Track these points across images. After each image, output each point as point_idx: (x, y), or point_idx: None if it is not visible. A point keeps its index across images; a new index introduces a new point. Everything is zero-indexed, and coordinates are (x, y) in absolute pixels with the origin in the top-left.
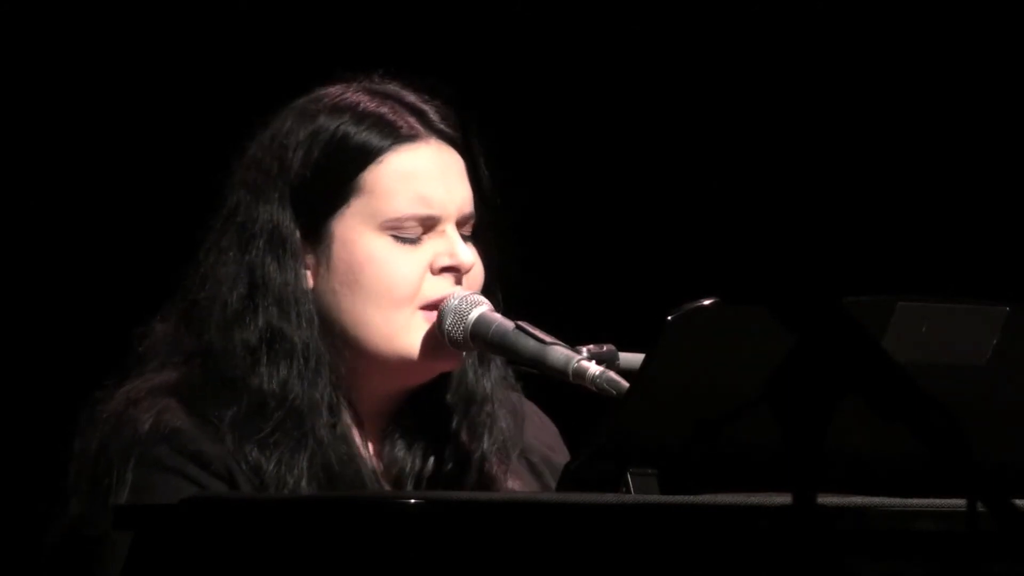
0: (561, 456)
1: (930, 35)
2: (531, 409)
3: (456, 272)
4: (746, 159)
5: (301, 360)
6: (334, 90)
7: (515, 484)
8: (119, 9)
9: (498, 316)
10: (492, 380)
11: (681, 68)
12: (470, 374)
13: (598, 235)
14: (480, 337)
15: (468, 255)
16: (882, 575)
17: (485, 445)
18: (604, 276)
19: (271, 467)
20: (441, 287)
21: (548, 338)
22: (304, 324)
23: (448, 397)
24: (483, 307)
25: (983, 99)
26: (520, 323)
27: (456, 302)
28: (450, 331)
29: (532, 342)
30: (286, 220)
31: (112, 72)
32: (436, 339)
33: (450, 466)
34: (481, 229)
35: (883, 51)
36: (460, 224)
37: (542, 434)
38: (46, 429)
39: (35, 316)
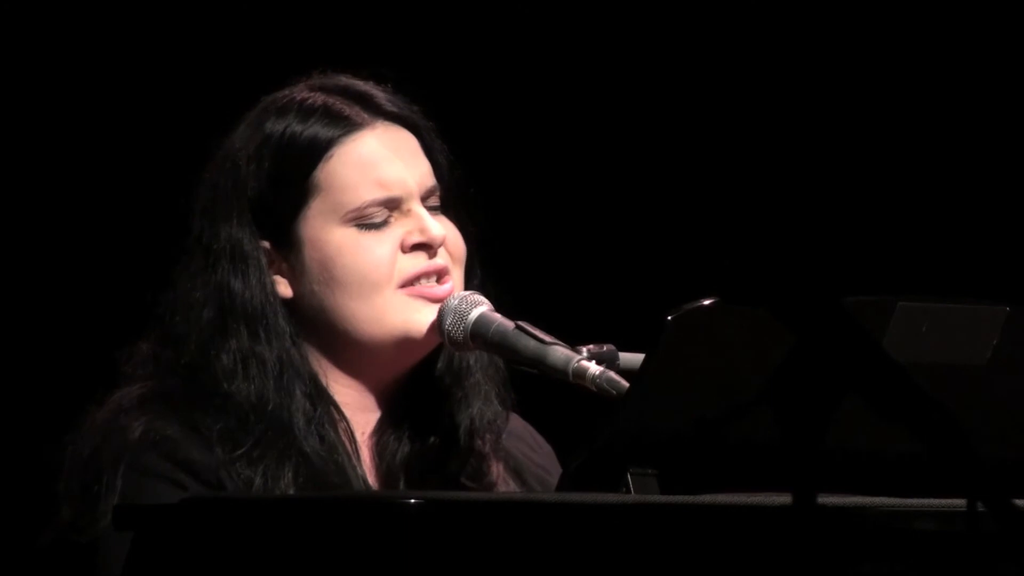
0: (555, 476)
1: (930, 35)
2: (528, 431)
3: (428, 248)
4: (746, 159)
5: (275, 374)
6: (278, 94)
7: (500, 464)
8: (84, 32)
9: (498, 316)
10: (474, 358)
11: (682, 68)
12: (455, 359)
13: (598, 235)
14: (480, 337)
15: (437, 228)
16: (882, 575)
17: (471, 421)
18: (604, 276)
19: (259, 480)
20: (415, 263)
21: (548, 338)
22: (275, 338)
23: (432, 377)
24: (483, 307)
25: (983, 99)
26: (520, 323)
27: (456, 302)
28: (450, 331)
29: (532, 342)
30: (246, 236)
31: (94, 96)
32: (429, 311)
33: (437, 445)
34: (458, 203)
35: (883, 51)
36: (425, 198)
37: (537, 456)
38: (40, 438)
39: (27, 328)
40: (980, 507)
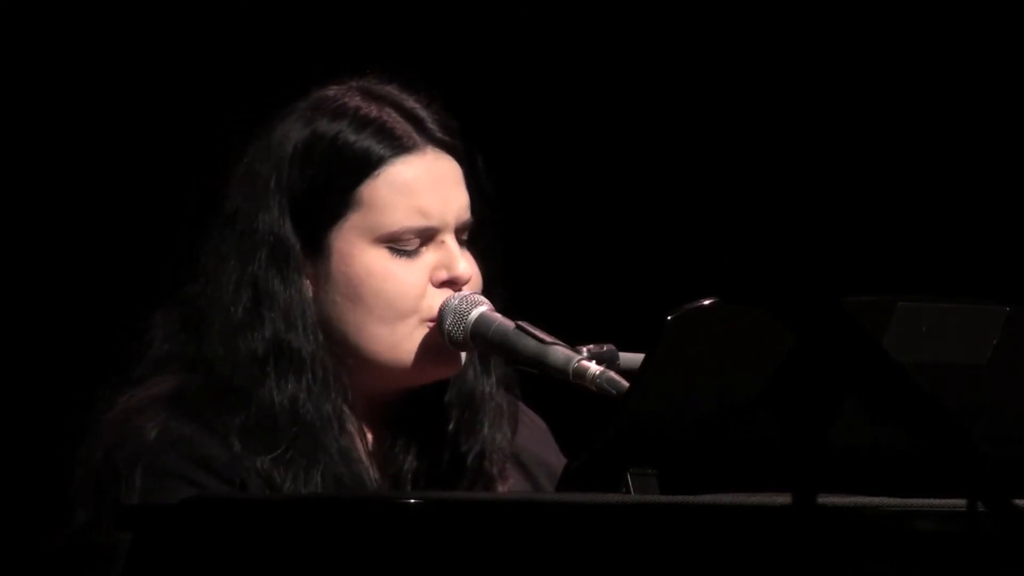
0: (553, 455)
1: (930, 35)
2: (521, 410)
3: (455, 284)
4: (746, 159)
5: (310, 374)
6: (331, 93)
7: (507, 485)
8: (114, 9)
9: (498, 316)
10: (492, 383)
11: (682, 68)
12: (470, 375)
13: (598, 235)
14: (480, 337)
15: (466, 267)
16: (882, 575)
17: (481, 445)
18: (604, 276)
19: (287, 483)
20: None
21: (548, 338)
22: (311, 337)
23: (446, 397)
24: (483, 307)
25: (983, 99)
26: (520, 323)
27: (456, 302)
28: (450, 331)
29: (532, 342)
30: (287, 231)
31: (104, 72)
32: (438, 348)
33: (446, 465)
34: (480, 230)
35: (883, 51)
36: (459, 232)
37: (532, 434)
38: (38, 433)
39: (29, 318)
40: (980, 507)
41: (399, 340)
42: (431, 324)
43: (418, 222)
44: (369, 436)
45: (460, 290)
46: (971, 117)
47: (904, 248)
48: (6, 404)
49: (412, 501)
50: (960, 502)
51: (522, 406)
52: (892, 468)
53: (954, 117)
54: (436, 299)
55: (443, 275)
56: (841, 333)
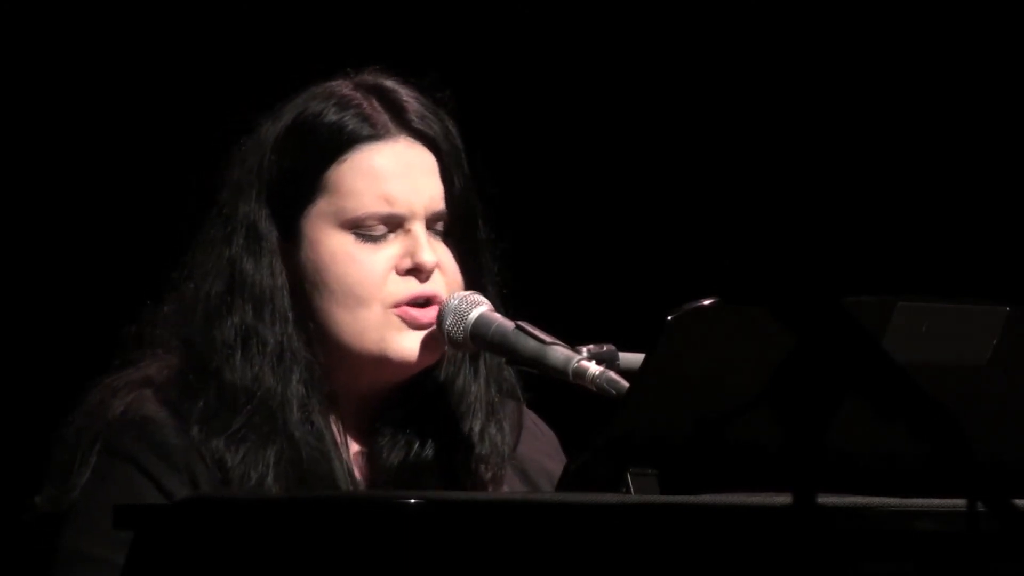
0: (559, 465)
1: (930, 35)
2: (530, 420)
3: (420, 272)
4: (746, 159)
5: (274, 357)
6: (329, 83)
7: (502, 489)
8: (114, 9)
9: (498, 316)
10: (481, 383)
11: (682, 67)
12: (461, 375)
13: (598, 235)
14: (480, 337)
15: (430, 256)
16: (882, 575)
17: (469, 441)
18: (604, 276)
19: (236, 461)
20: (407, 287)
21: (548, 338)
22: (278, 322)
23: (436, 395)
24: (483, 307)
25: (983, 99)
26: (520, 323)
27: (456, 302)
28: (450, 331)
29: (532, 342)
30: (263, 217)
31: (105, 69)
32: (410, 337)
33: (433, 462)
34: (464, 223)
35: (883, 51)
36: (431, 222)
37: (540, 443)
38: (41, 425)
39: (30, 312)
40: (980, 507)
41: (366, 328)
42: (396, 311)
43: (382, 208)
44: (355, 429)
45: (427, 279)
46: (971, 117)
47: (904, 248)
48: (8, 400)
49: (412, 501)
50: (960, 502)
51: (533, 415)
52: (892, 468)
53: (954, 117)
54: (400, 286)
55: (408, 263)
56: (841, 333)
